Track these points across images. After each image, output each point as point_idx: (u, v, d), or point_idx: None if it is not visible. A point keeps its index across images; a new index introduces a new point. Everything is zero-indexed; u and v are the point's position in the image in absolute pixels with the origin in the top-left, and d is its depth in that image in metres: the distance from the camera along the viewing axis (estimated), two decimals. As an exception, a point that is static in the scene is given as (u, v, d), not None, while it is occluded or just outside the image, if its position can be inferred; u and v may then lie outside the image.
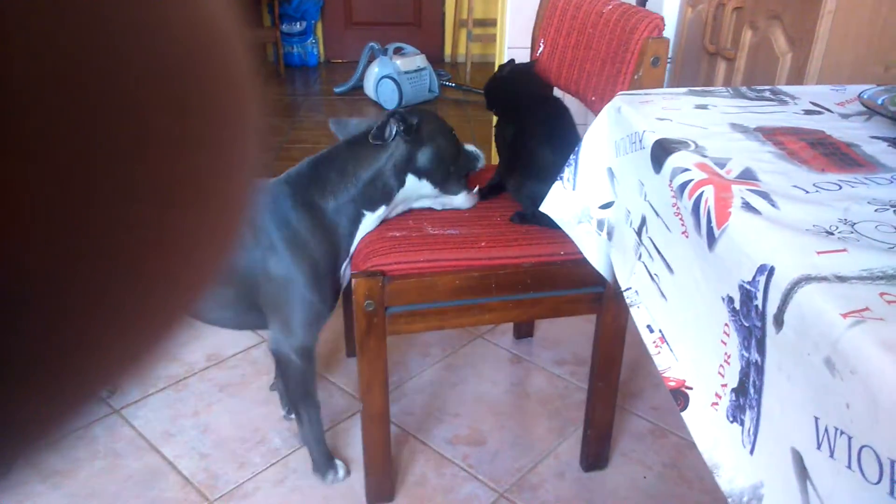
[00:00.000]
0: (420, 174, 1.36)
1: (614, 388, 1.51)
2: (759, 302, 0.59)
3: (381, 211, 1.36)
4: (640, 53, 1.18)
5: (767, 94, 1.09)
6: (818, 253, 0.57)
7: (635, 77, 1.17)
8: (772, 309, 0.57)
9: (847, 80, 1.41)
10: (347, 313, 1.85)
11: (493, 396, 1.83)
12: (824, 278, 0.54)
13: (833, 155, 0.81)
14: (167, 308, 0.17)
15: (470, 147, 1.47)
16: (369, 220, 1.35)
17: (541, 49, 1.59)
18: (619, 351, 1.46)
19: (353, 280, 1.23)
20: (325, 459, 1.51)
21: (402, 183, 1.35)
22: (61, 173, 0.13)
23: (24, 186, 0.12)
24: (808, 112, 0.99)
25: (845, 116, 0.97)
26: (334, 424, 1.70)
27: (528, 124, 1.39)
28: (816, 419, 0.51)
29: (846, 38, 1.58)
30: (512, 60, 1.55)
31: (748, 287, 0.60)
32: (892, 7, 1.55)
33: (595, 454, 1.59)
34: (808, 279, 0.54)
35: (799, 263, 0.56)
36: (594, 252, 1.14)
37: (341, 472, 1.53)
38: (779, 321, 0.56)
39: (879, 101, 0.95)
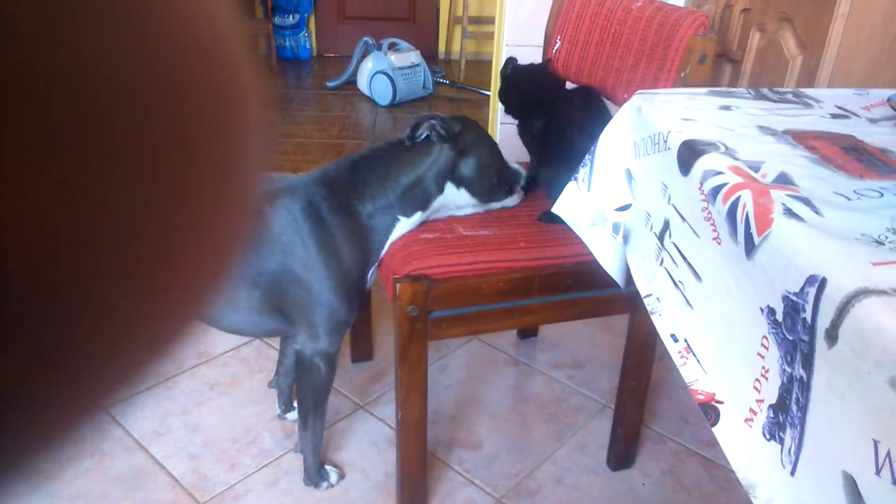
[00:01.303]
0: (460, 183, 1.33)
1: (645, 387, 1.51)
2: (807, 315, 0.55)
3: (417, 217, 1.33)
4: (685, 51, 1.16)
5: (790, 96, 1.05)
6: (874, 264, 0.54)
7: (681, 75, 1.16)
8: (823, 323, 0.53)
9: (859, 85, 1.38)
10: (362, 318, 1.82)
11: (490, 399, 1.81)
12: (883, 292, 0.51)
13: (868, 161, 0.78)
14: (176, 311, 0.17)
15: (514, 165, 1.45)
16: (403, 226, 1.32)
17: (557, 46, 1.57)
18: (651, 350, 1.45)
19: (397, 285, 1.19)
20: (318, 469, 1.49)
21: (440, 190, 1.32)
22: (71, 173, 0.13)
23: (38, 187, 0.12)
24: (834, 116, 0.96)
25: (873, 121, 0.94)
26: (329, 426, 1.66)
27: (561, 113, 1.39)
28: (876, 443, 0.48)
29: (858, 42, 1.55)
30: (512, 58, 1.53)
31: (795, 299, 0.57)
32: (905, 12, 1.53)
33: (623, 453, 1.60)
34: (865, 293, 0.51)
35: (854, 275, 0.53)
36: (608, 256, 1.11)
37: (334, 478, 1.50)
38: (832, 336, 0.52)
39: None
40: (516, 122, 1.54)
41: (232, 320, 1.32)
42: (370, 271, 1.35)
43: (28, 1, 0.12)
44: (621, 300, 1.35)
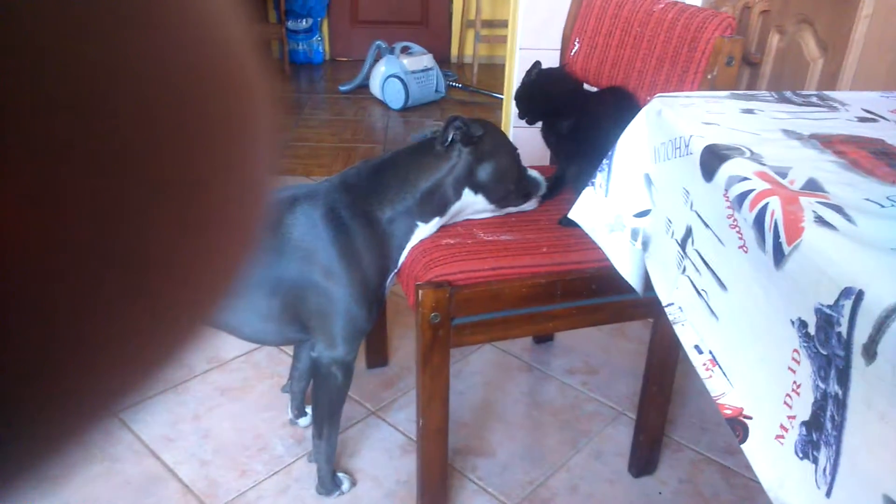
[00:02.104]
0: (477, 189, 1.32)
1: (668, 392, 1.49)
2: (842, 329, 0.53)
3: (435, 223, 1.32)
4: (712, 53, 1.16)
5: (814, 99, 1.03)
6: (914, 276, 0.51)
7: (708, 77, 1.14)
8: (860, 338, 0.51)
9: (882, 88, 1.35)
10: (378, 325, 1.81)
11: (503, 406, 1.78)
12: (926, 306, 0.48)
13: (900, 166, 0.75)
14: (185, 315, 0.17)
15: (533, 172, 1.44)
16: (422, 232, 1.31)
17: (576, 48, 1.56)
18: (674, 355, 1.44)
19: (419, 291, 1.18)
20: (332, 478, 1.47)
21: (458, 196, 1.31)
22: (77, 178, 0.13)
23: (44, 191, 0.12)
24: (861, 119, 0.93)
25: (903, 125, 0.91)
26: (341, 432, 1.64)
27: (594, 112, 1.39)
28: (920, 466, 0.45)
29: (882, 44, 1.52)
30: (538, 62, 1.52)
31: (828, 312, 0.54)
32: (930, 13, 1.50)
33: (646, 459, 1.58)
34: (907, 306, 0.48)
35: (893, 288, 0.50)
36: (626, 262, 1.08)
37: (346, 486, 1.48)
38: (870, 352, 0.50)
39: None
40: (540, 124, 1.54)
41: (255, 329, 1.31)
42: (389, 278, 1.34)
43: (36, 6, 0.12)
44: (645, 305, 1.33)
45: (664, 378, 1.46)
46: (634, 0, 1.44)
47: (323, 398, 1.36)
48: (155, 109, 0.14)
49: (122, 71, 0.13)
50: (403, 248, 1.31)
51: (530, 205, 1.43)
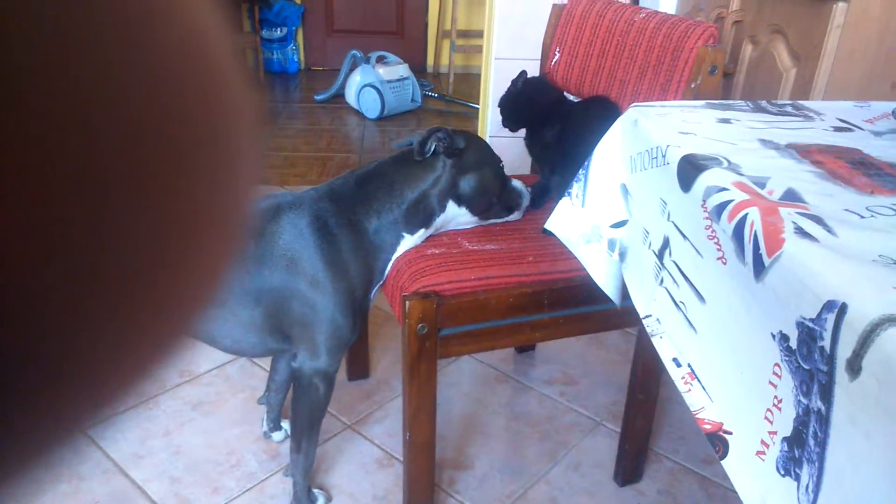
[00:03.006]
0: (460, 201, 1.32)
1: (654, 400, 1.49)
2: (825, 343, 0.51)
3: (420, 234, 1.31)
4: (695, 62, 1.17)
5: (789, 108, 1.02)
6: (896, 289, 0.50)
7: (692, 85, 1.15)
8: (844, 353, 0.50)
9: (854, 97, 1.36)
10: (360, 336, 1.78)
11: (481, 417, 1.77)
12: (911, 319, 0.47)
13: (877, 176, 0.75)
14: (164, 328, 0.16)
15: (517, 183, 1.43)
16: (407, 243, 1.30)
17: (556, 58, 1.56)
18: (660, 363, 1.45)
19: (406, 302, 1.17)
20: (307, 494, 1.44)
21: (443, 208, 1.31)
22: (59, 191, 0.12)
23: (26, 204, 0.12)
24: (837, 129, 0.93)
25: (878, 134, 0.91)
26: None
27: (577, 121, 1.40)
28: (907, 486, 0.44)
29: (853, 54, 1.53)
30: (524, 72, 1.52)
31: (811, 325, 0.53)
32: (901, 23, 1.51)
33: (632, 468, 1.58)
34: (891, 320, 0.47)
35: (876, 301, 0.49)
36: (603, 274, 1.07)
37: (321, 502, 1.46)
38: (854, 368, 0.49)
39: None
40: (524, 134, 1.54)
41: (237, 338, 1.28)
42: (374, 289, 1.32)
43: (19, 23, 0.12)
44: (631, 314, 1.33)
45: (651, 385, 1.46)
46: (615, 10, 1.45)
47: (303, 410, 1.33)
48: (137, 119, 0.14)
49: (104, 81, 0.13)
50: (390, 259, 1.30)
51: (515, 216, 1.43)
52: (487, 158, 1.35)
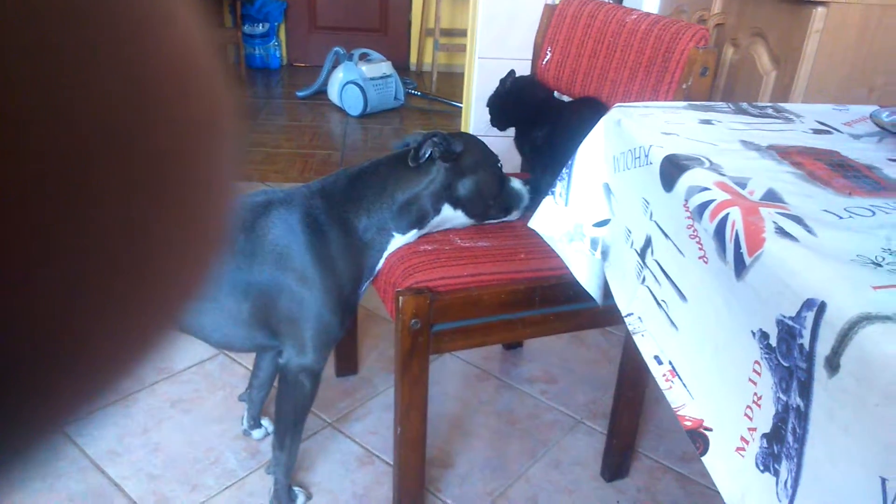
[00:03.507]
0: (456, 204, 1.32)
1: (641, 397, 1.51)
2: (804, 341, 0.52)
3: (412, 234, 1.30)
4: (686, 63, 1.18)
5: (770, 111, 1.04)
6: (874, 288, 0.51)
7: (683, 87, 1.17)
8: (823, 350, 0.50)
9: (833, 100, 1.38)
10: (348, 332, 1.78)
11: (462, 415, 1.77)
12: (888, 318, 0.48)
13: (856, 178, 0.76)
14: (149, 325, 0.16)
15: (516, 184, 1.42)
16: (398, 242, 1.30)
17: (547, 57, 1.57)
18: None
19: (399, 298, 1.17)
20: (288, 491, 1.43)
21: (437, 211, 1.31)
22: (44, 186, 0.12)
23: (21, 196, 0.12)
24: (816, 131, 0.94)
25: (856, 137, 0.92)
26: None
27: (566, 122, 1.40)
28: (884, 480, 0.45)
29: (833, 58, 1.55)
30: (513, 71, 1.53)
31: (790, 323, 0.54)
32: (878, 28, 1.54)
33: (618, 464, 1.59)
34: (869, 318, 0.48)
35: (855, 299, 0.50)
36: (586, 272, 1.08)
37: (301, 500, 1.45)
38: (833, 365, 0.49)
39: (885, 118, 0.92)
40: (513, 134, 1.55)
41: (224, 332, 1.27)
42: (363, 286, 1.32)
43: (19, 45, 0.12)
44: (618, 311, 1.35)
45: (639, 382, 1.47)
46: (607, 11, 1.46)
47: (288, 407, 1.32)
48: (119, 115, 0.14)
49: (85, 77, 0.13)
50: (380, 258, 1.30)
51: (513, 217, 1.43)
52: (485, 161, 1.35)
